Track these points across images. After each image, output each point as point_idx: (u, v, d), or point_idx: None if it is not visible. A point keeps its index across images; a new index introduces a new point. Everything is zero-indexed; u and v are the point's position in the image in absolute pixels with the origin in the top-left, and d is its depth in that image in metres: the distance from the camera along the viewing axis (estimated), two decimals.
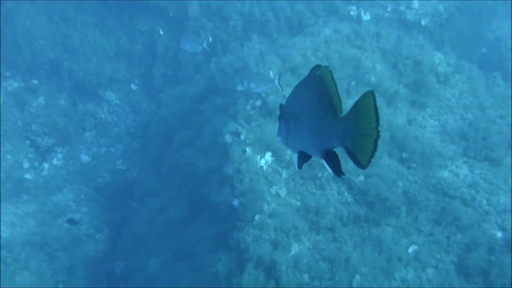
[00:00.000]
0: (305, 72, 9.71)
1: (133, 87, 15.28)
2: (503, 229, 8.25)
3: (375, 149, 2.72)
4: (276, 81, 9.15)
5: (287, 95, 9.49)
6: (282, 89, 9.26)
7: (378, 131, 2.68)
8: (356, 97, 9.44)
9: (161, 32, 14.71)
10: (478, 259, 7.75)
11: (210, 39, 11.60)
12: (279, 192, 8.54)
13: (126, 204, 13.37)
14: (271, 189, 8.58)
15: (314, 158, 3.15)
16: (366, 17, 13.23)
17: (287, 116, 3.20)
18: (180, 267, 10.05)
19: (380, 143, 2.70)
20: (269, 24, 13.37)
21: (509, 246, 7.88)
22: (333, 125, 2.86)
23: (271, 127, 9.15)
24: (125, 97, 15.19)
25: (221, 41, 13.97)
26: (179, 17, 14.39)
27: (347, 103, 9.33)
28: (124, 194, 13.62)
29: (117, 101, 15.13)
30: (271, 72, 9.95)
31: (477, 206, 8.50)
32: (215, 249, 9.14)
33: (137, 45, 15.08)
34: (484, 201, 8.55)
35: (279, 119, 3.37)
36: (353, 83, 9.85)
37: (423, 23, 13.38)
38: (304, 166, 3.21)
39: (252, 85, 9.45)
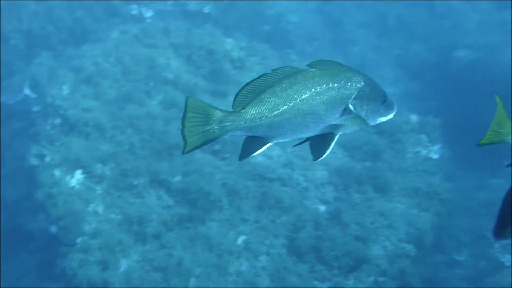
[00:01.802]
0: (100, 81, 9.43)
1: None
2: (324, 202, 8.49)
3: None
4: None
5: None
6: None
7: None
8: (158, 97, 9.35)
9: None
10: (306, 237, 7.93)
11: None
12: (97, 210, 8.22)
13: None
14: (89, 208, 8.23)
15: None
16: (148, 13, 13.00)
17: None
18: None
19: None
20: (52, 37, 12.78)
21: (334, 218, 8.11)
22: None
23: (76, 143, 8.78)
24: None
25: (5, 63, 13.14)
26: None
27: (148, 105, 9.18)
28: None
29: None
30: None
31: (295, 184, 8.69)
32: (41, 280, 8.69)
33: None
34: (302, 178, 8.75)
35: None
36: (151, 83, 9.71)
37: (205, 10, 13.37)
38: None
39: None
